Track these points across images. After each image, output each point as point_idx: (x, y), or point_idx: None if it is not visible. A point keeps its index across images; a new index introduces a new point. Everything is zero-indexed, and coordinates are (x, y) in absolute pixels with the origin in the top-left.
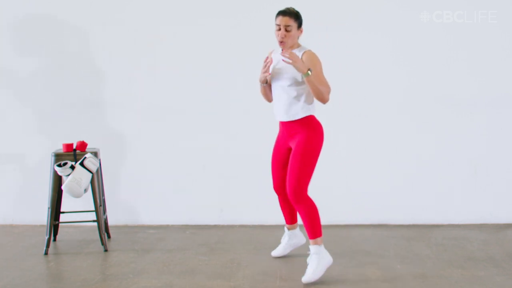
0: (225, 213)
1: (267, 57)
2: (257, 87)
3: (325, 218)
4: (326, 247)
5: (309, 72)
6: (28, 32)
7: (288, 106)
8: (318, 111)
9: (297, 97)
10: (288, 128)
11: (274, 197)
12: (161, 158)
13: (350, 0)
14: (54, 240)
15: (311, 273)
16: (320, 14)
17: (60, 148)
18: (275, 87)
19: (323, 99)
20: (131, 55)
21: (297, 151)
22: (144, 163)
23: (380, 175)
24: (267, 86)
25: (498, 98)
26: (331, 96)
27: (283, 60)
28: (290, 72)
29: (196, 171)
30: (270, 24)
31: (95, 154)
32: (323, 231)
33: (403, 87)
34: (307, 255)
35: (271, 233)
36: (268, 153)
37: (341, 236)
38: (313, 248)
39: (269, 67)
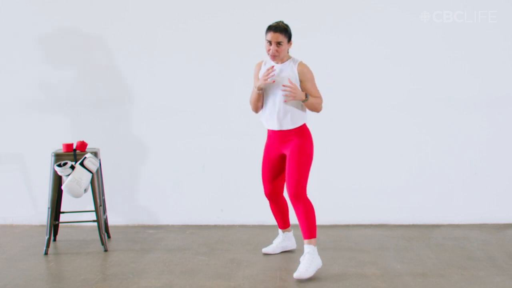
0: (225, 213)
1: (273, 66)
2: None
3: (325, 218)
4: (326, 247)
5: (307, 98)
6: (27, 32)
7: (283, 116)
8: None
9: (292, 108)
10: (281, 136)
11: None
12: (161, 158)
13: (350, 1)
14: (54, 240)
15: (304, 270)
16: (320, 14)
17: (60, 148)
18: (270, 99)
19: (317, 111)
20: (131, 55)
21: (294, 154)
22: (144, 163)
23: (380, 175)
24: (262, 93)
25: (498, 98)
26: (331, 96)
27: (284, 95)
28: (285, 83)
29: (196, 171)
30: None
31: (95, 154)
32: (323, 230)
33: (403, 87)
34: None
35: (271, 233)
36: None
37: (341, 236)
38: (307, 247)
39: (272, 75)
